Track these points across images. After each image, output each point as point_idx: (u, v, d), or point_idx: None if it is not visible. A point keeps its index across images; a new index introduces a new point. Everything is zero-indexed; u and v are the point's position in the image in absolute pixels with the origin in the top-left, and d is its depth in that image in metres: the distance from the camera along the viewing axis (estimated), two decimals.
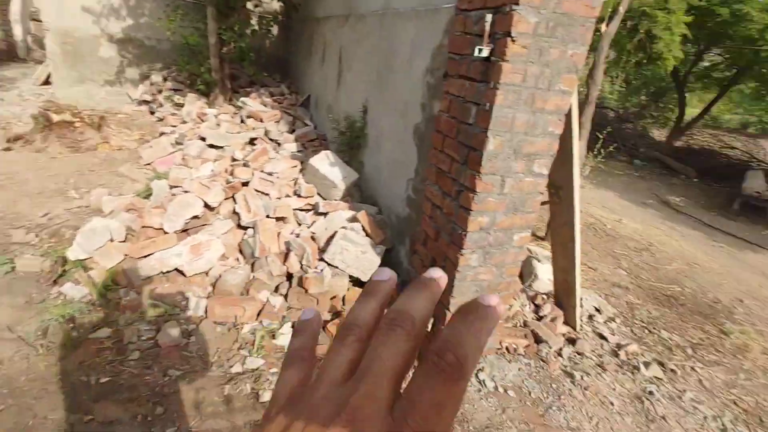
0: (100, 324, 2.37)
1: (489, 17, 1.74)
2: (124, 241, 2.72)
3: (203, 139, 4.70)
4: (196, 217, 2.78)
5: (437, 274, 0.31)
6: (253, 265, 2.81)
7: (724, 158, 11.97)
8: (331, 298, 2.73)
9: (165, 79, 6.63)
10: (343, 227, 2.97)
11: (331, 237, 2.94)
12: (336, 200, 3.24)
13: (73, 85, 6.43)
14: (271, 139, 4.89)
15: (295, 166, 3.58)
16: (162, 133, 5.45)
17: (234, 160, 3.66)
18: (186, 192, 2.86)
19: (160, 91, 6.43)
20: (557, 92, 1.90)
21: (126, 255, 2.64)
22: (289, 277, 2.80)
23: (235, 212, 2.94)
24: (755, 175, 7.63)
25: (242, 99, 5.78)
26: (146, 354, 2.24)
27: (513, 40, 1.70)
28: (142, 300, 2.50)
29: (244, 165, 3.49)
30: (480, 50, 1.79)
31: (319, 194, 3.30)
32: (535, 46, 1.76)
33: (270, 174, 3.20)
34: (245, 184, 3.27)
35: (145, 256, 2.61)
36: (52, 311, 2.38)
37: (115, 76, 6.69)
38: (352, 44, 4.17)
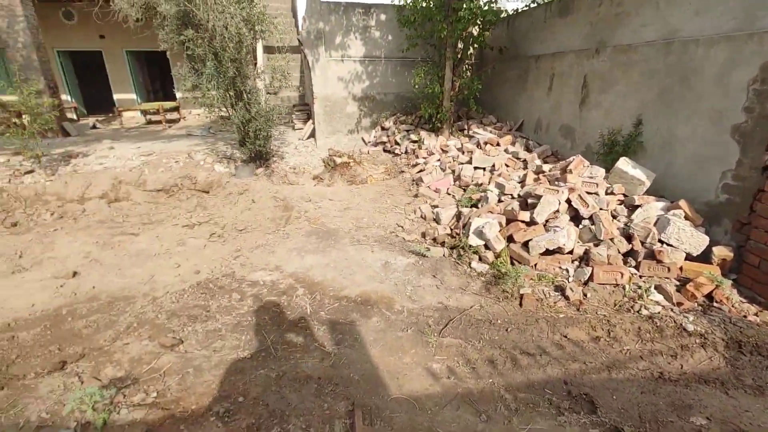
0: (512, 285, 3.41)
1: None
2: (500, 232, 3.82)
3: (459, 163, 5.94)
4: (556, 211, 3.76)
5: None
6: (596, 246, 3.66)
7: None
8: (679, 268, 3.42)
9: (395, 123, 8.29)
10: (662, 214, 3.67)
11: (655, 222, 3.67)
12: (641, 195, 3.98)
13: (328, 136, 8.47)
14: (517, 158, 5.88)
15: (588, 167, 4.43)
16: (414, 165, 6.90)
17: (540, 172, 4.67)
18: (539, 196, 3.88)
19: (393, 133, 8.07)
20: None
21: (509, 242, 3.71)
22: (628, 253, 3.58)
23: (571, 208, 3.86)
24: None
25: (473, 130, 7.00)
26: (562, 302, 3.19)
27: None
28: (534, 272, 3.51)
29: (544, 173, 4.49)
30: None
31: (623, 193, 4.08)
32: None
33: (591, 177, 4.09)
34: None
35: (527, 242, 3.65)
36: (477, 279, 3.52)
37: (354, 126, 8.59)
38: (607, 72, 4.98)
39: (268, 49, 9.50)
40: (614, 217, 3.90)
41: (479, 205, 4.55)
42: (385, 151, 8.14)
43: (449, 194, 5.61)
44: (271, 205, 5.72)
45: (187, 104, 12.24)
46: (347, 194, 6.16)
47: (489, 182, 5.26)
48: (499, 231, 3.83)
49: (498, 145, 6.40)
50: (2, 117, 6.56)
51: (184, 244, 4.63)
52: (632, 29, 4.63)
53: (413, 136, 7.62)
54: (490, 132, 6.97)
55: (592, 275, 3.34)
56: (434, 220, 4.84)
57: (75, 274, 3.98)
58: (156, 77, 15.55)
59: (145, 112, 11.76)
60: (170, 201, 6.36)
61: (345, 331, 2.74)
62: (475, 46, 7.22)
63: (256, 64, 8.17)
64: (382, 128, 8.50)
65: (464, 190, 5.49)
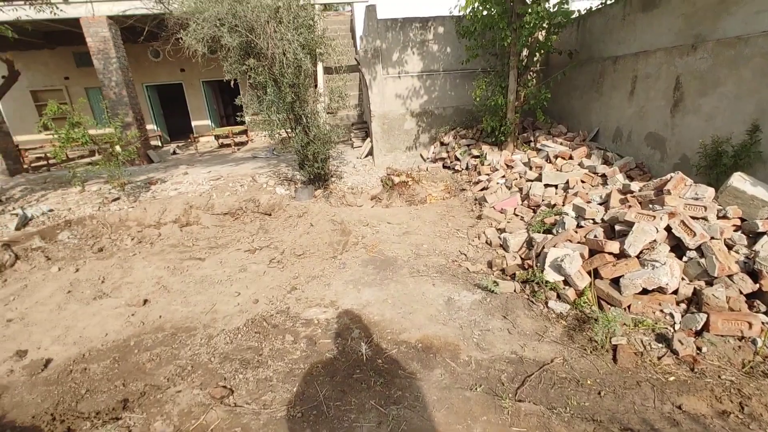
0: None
1: None
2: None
3: (527, 180, 5.40)
4: (653, 241, 3.18)
5: None
6: (709, 285, 3.00)
7: None
8: None
9: (455, 138, 7.92)
10: None
11: None
12: (765, 219, 3.22)
13: (386, 153, 8.31)
14: (594, 173, 5.22)
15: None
16: (477, 182, 6.47)
17: (627, 191, 4.06)
18: (628, 222, 3.31)
19: (453, 149, 7.70)
20: None
21: (594, 277, 3.19)
22: (754, 295, 2.87)
23: (671, 236, 3.23)
24: None
25: (542, 142, 6.42)
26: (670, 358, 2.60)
27: None
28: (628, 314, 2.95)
29: (632, 193, 3.87)
30: None
31: (740, 217, 3.34)
32: None
33: (696, 198, 3.44)
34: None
35: (617, 278, 3.10)
36: (556, 323, 3.03)
37: (412, 142, 8.35)
38: (707, 71, 4.24)
39: (326, 70, 9.66)
40: (730, 247, 3.19)
41: (554, 231, 4.02)
42: (444, 167, 7.78)
43: (517, 215, 5.11)
44: (328, 228, 5.63)
45: (255, 127, 12.91)
46: (406, 216, 5.89)
47: (563, 202, 4.70)
48: (582, 264, 3.30)
49: (570, 158, 5.77)
50: (100, 148, 7.26)
51: (245, 270, 4.66)
52: (742, 18, 3.88)
53: (474, 151, 7.18)
54: (561, 144, 6.33)
55: (707, 324, 2.71)
56: (501, 246, 4.39)
57: (145, 302, 4.14)
58: (228, 103, 16.67)
59: (217, 137, 12.55)
60: (235, 224, 6.55)
61: (404, 386, 2.44)
62: (542, 51, 6.66)
63: (316, 86, 8.29)
64: (441, 143, 8.16)
65: (534, 212, 4.96)
